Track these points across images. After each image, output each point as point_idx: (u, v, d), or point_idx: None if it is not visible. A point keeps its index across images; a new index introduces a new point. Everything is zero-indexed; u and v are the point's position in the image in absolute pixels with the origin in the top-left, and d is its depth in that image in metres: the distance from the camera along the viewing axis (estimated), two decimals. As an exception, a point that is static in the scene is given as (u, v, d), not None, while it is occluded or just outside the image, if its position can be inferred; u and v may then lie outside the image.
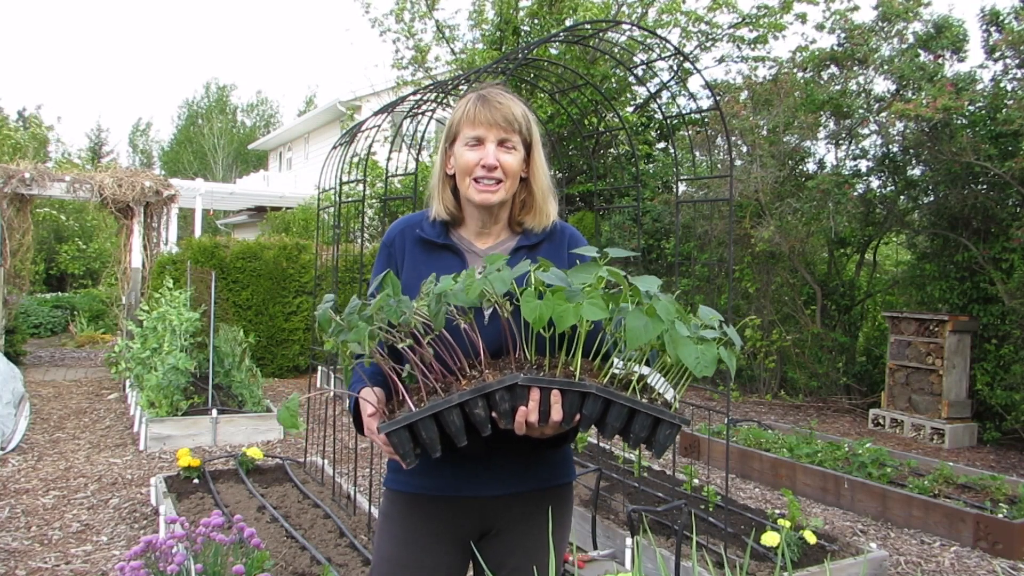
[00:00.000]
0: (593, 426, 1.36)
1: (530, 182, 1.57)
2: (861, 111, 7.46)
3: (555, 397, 1.31)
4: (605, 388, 1.32)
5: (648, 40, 6.82)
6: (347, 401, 1.53)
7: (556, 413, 1.31)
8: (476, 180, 1.52)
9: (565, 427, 1.33)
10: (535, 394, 1.31)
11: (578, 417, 1.32)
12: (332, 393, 5.22)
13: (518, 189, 1.58)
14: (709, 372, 1.29)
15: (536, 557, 1.57)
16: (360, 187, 6.24)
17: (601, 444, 5.24)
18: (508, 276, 1.33)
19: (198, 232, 14.37)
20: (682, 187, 8.87)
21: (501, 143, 1.52)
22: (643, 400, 1.33)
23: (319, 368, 8.26)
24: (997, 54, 6.69)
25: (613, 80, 9.66)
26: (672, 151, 8.04)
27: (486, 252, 1.58)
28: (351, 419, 1.53)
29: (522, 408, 1.31)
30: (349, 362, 1.40)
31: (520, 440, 1.52)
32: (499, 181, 1.52)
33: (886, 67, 7.32)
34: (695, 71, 4.26)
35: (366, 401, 1.42)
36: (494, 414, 1.33)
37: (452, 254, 1.59)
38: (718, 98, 4.74)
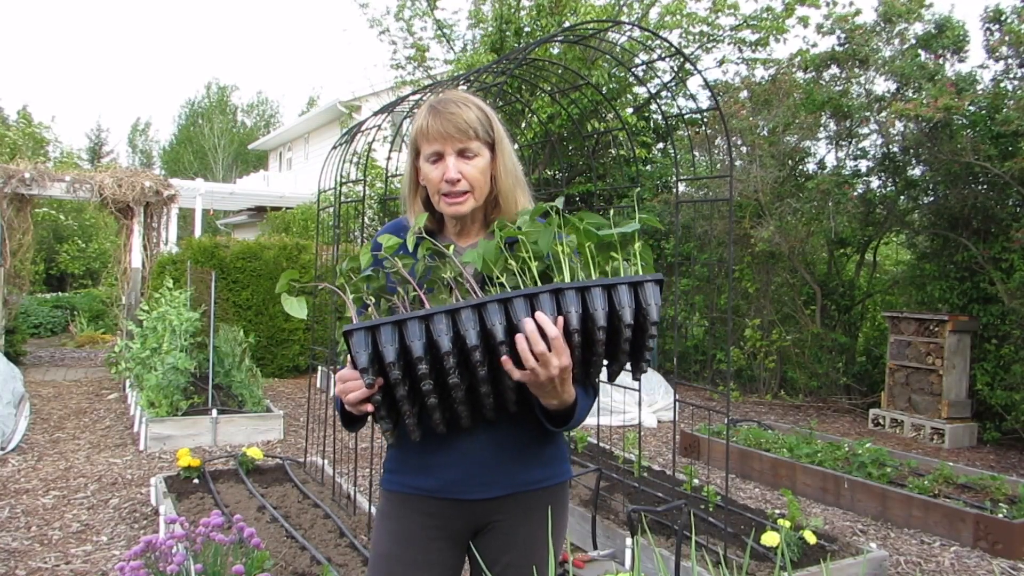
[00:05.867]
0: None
1: (495, 181, 1.57)
2: (862, 111, 7.46)
3: (540, 319, 1.28)
4: (571, 283, 1.31)
5: (649, 41, 6.82)
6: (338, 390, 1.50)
7: (541, 319, 1.28)
8: (444, 195, 1.52)
9: (550, 333, 1.27)
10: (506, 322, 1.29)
11: (562, 320, 1.29)
12: (332, 393, 5.21)
13: (489, 188, 1.58)
14: (634, 227, 1.39)
15: (532, 554, 1.57)
16: (360, 187, 6.24)
17: (601, 444, 5.24)
18: (479, 251, 1.38)
19: (198, 232, 14.36)
20: (682, 187, 8.87)
21: (461, 153, 1.51)
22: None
23: (319, 368, 8.26)
24: (997, 54, 6.69)
25: (613, 81, 9.66)
26: (672, 151, 8.05)
27: (467, 249, 1.59)
28: (339, 415, 1.53)
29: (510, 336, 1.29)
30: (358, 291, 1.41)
31: (517, 438, 1.53)
32: (465, 192, 1.51)
33: (886, 67, 7.33)
34: (695, 72, 4.27)
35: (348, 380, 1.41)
36: (466, 335, 1.28)
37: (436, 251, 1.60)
38: (718, 98, 4.75)
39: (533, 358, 1.28)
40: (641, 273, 1.37)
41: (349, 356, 1.33)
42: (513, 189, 1.58)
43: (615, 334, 1.33)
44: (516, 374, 1.30)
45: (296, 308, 1.41)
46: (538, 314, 1.28)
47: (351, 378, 1.37)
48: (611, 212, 1.56)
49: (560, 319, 1.29)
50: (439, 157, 1.51)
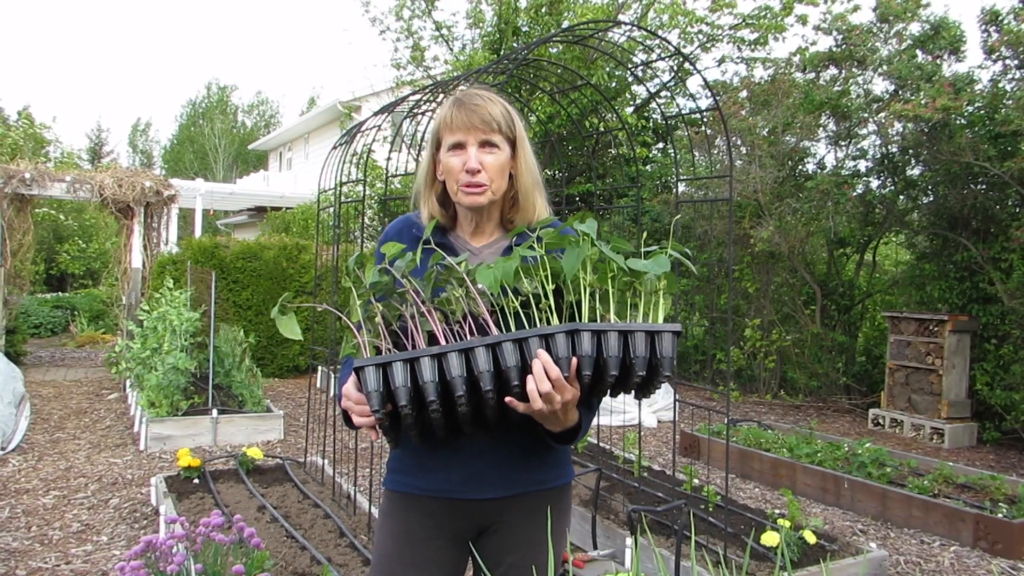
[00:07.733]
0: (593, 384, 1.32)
1: (515, 179, 1.57)
2: (860, 112, 7.46)
3: (542, 358, 1.28)
4: (588, 324, 1.29)
5: (648, 40, 6.82)
6: (338, 388, 1.49)
7: (547, 362, 1.28)
8: (463, 185, 1.52)
9: (564, 372, 1.29)
10: (522, 364, 1.28)
11: (575, 362, 1.29)
12: (332, 393, 5.21)
13: (507, 187, 1.58)
14: (666, 267, 1.33)
15: (534, 554, 1.57)
16: (360, 187, 6.25)
17: (601, 444, 5.24)
18: (498, 274, 1.35)
19: (198, 232, 14.36)
20: (681, 187, 8.87)
21: (482, 145, 1.51)
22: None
23: (319, 368, 8.26)
24: (996, 55, 6.68)
25: (613, 80, 9.66)
26: (672, 151, 8.05)
27: (481, 250, 1.59)
28: (342, 416, 1.54)
29: (531, 370, 1.29)
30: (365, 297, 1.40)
31: (521, 440, 1.53)
32: (484, 184, 1.51)
33: (884, 68, 7.33)
34: (695, 71, 4.27)
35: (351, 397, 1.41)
36: (480, 372, 1.29)
37: (449, 253, 1.59)
38: (718, 98, 4.75)
39: (539, 397, 1.29)
40: (660, 307, 1.36)
41: (356, 378, 1.33)
42: (532, 189, 1.59)
43: (626, 371, 1.33)
44: (521, 407, 1.32)
45: (289, 328, 1.42)
46: (544, 356, 1.29)
47: (357, 400, 1.38)
48: (642, 236, 1.54)
49: (574, 360, 1.30)
50: (461, 147, 1.52)
